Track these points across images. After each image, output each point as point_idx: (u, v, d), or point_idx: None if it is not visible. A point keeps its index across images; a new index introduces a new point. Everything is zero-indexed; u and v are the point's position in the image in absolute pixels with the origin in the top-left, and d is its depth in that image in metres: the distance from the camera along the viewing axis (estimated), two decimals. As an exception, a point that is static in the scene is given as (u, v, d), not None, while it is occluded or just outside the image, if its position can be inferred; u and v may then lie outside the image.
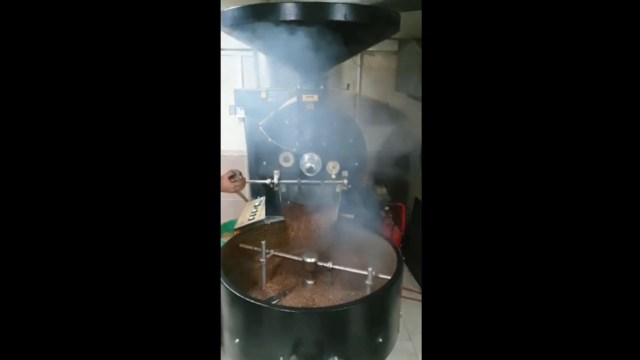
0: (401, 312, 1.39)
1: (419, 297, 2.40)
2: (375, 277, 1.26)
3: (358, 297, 1.21)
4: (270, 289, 1.43)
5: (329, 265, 1.35)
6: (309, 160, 1.45)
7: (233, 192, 1.51)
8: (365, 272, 1.26)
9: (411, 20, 1.39)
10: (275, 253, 1.46)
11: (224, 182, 1.47)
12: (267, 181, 1.49)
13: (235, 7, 1.17)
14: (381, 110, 2.90)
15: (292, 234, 1.59)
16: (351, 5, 1.09)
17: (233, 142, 2.79)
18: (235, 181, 1.48)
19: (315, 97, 1.37)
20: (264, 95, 2.15)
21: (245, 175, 2.15)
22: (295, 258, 1.45)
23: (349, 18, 1.08)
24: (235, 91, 2.28)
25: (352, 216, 1.61)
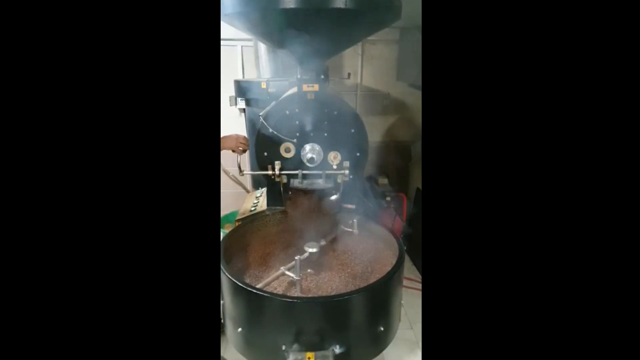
0: (402, 302, 1.40)
1: (420, 286, 2.42)
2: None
3: (359, 287, 1.22)
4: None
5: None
6: (310, 151, 1.45)
7: (233, 148, 1.50)
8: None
9: (412, 9, 1.37)
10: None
11: (230, 139, 1.48)
12: (269, 172, 1.48)
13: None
14: (382, 99, 2.88)
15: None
16: (352, -8, 1.07)
17: (233, 133, 2.78)
18: (240, 142, 1.48)
19: (316, 87, 1.36)
20: (264, 86, 2.13)
21: (246, 167, 2.15)
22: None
23: (349, 5, 1.07)
24: (236, 82, 2.26)
25: (353, 206, 1.61)
